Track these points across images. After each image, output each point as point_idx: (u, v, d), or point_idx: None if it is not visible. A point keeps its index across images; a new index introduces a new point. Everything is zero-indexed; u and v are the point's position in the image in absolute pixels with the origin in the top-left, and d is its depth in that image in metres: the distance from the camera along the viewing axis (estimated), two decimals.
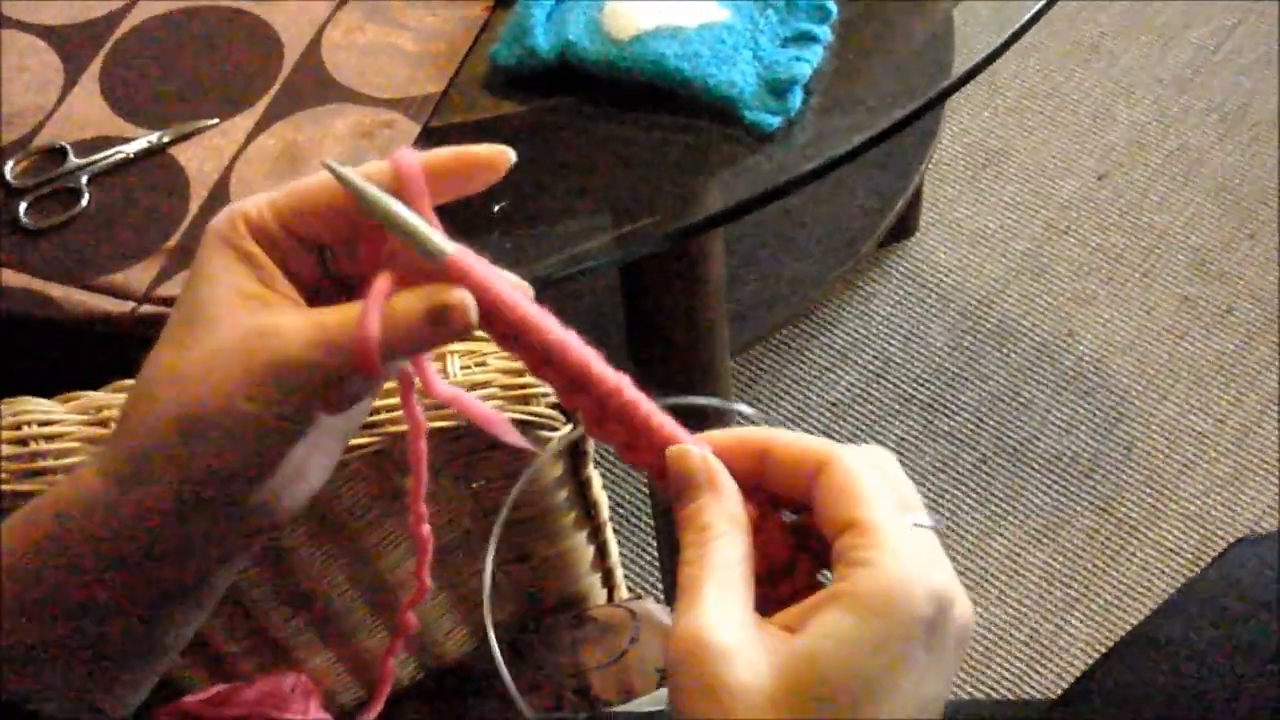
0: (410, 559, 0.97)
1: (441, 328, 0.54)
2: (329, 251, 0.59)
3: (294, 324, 0.54)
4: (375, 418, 0.83)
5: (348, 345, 0.54)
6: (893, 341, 2.00)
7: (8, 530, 0.59)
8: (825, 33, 0.99)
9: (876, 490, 0.55)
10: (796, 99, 0.96)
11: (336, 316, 0.55)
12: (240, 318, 0.55)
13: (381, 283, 0.56)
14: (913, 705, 0.51)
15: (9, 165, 0.97)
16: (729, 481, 0.57)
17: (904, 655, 0.51)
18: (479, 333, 0.56)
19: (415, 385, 0.63)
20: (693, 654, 0.51)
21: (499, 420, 0.61)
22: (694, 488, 0.56)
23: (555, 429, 0.87)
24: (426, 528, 0.70)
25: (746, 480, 0.58)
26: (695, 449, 0.57)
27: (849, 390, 1.95)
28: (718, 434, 0.58)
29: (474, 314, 0.55)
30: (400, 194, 0.56)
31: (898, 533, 0.53)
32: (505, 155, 0.58)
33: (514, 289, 0.57)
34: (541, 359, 0.57)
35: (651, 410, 0.58)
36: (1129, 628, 1.72)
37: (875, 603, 0.51)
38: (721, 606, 0.52)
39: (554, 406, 0.86)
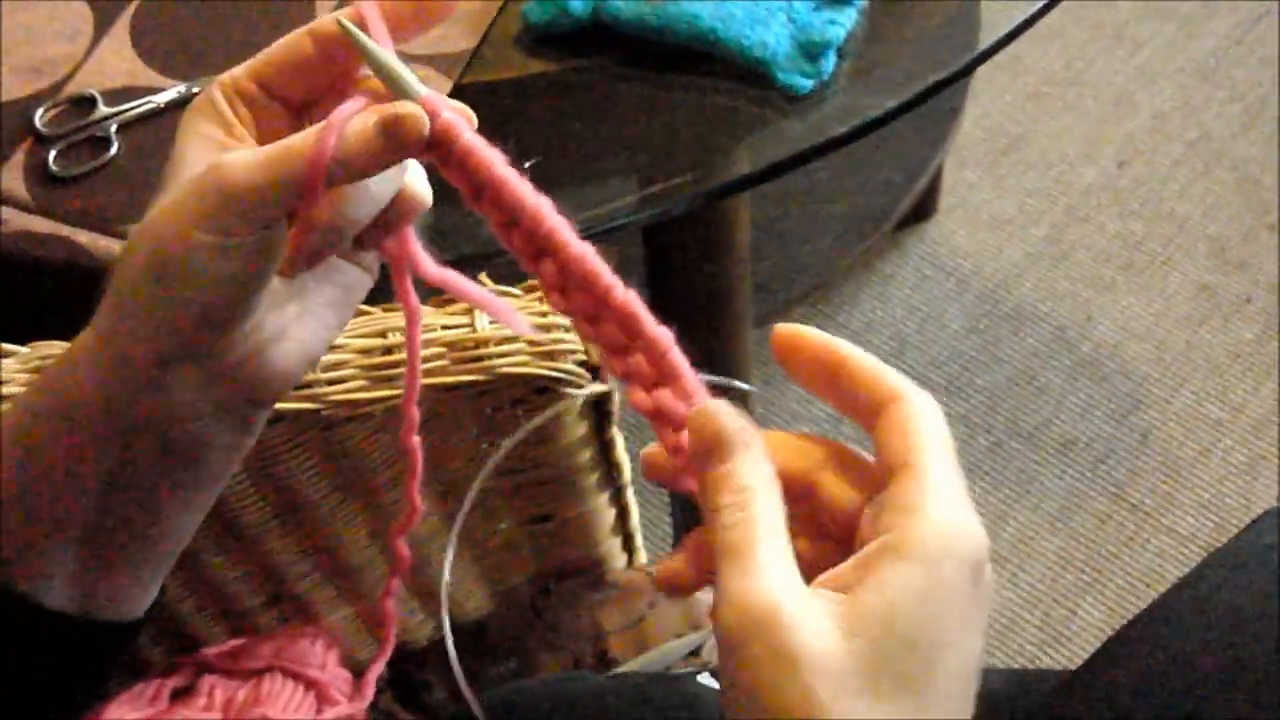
0: (433, 515, 0.96)
1: (394, 138, 0.55)
2: (306, 118, 0.61)
3: (241, 153, 0.56)
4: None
5: (290, 162, 0.55)
6: (909, 323, 2.00)
7: (12, 408, 0.61)
8: None
9: (933, 438, 0.54)
10: (830, 62, 0.96)
11: (281, 141, 0.56)
12: (201, 163, 0.57)
13: (345, 105, 0.56)
14: (972, 657, 0.51)
15: (39, 113, 0.97)
16: (758, 435, 0.55)
17: (961, 602, 0.50)
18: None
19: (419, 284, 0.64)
20: (760, 623, 0.49)
21: (500, 304, 0.62)
22: (725, 448, 0.54)
23: (580, 386, 0.87)
24: (416, 439, 0.68)
25: (815, 382, 0.57)
26: (724, 407, 0.55)
27: None
28: (805, 330, 0.57)
29: (426, 125, 0.56)
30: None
31: (945, 481, 0.52)
32: None
33: (490, 147, 0.58)
34: (507, 217, 0.58)
35: (614, 282, 0.57)
36: None
37: (931, 548, 0.50)
38: (777, 570, 0.50)
39: (580, 364, 0.86)
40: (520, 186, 0.57)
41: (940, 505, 0.51)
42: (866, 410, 0.56)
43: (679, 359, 0.58)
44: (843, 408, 0.57)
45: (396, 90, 0.57)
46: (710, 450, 0.54)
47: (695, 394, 0.57)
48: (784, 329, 0.57)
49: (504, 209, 0.57)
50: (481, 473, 0.64)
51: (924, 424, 0.54)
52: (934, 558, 0.50)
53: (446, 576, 0.65)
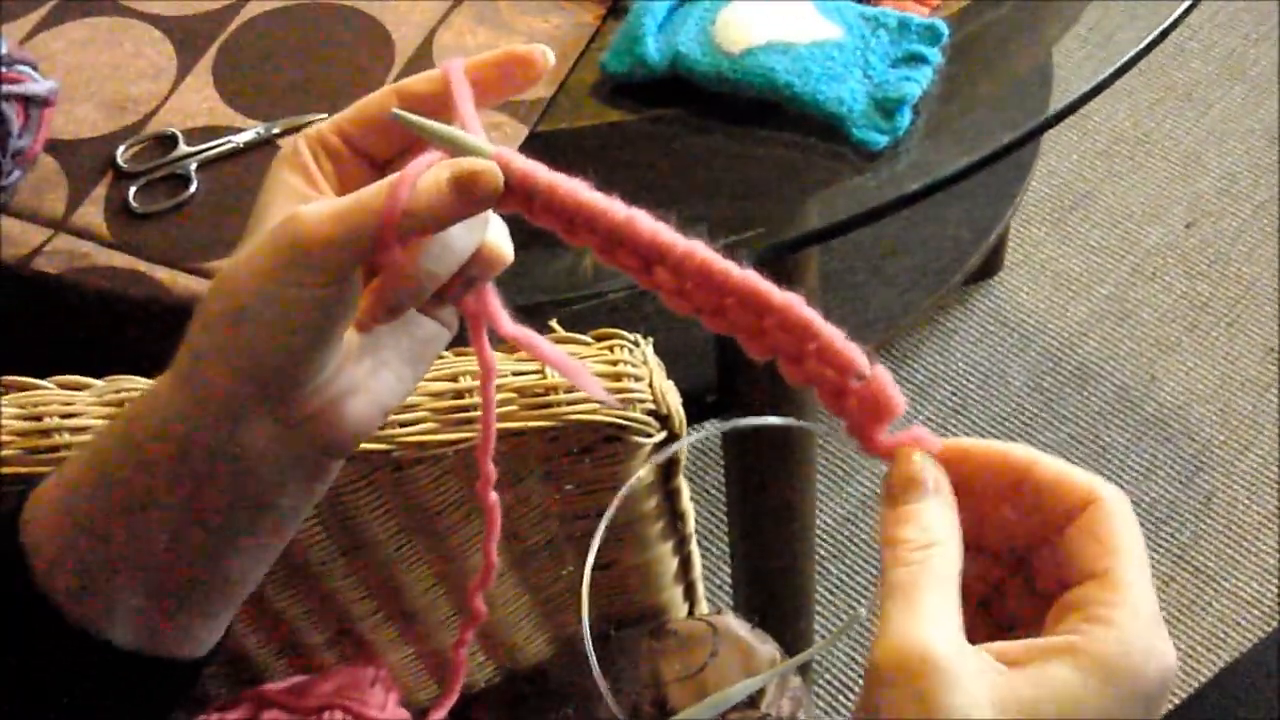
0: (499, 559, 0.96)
1: (466, 191, 0.56)
2: (388, 173, 0.61)
3: (315, 205, 0.56)
4: (470, 414, 0.83)
5: (361, 215, 0.55)
6: (972, 379, 1.99)
7: (91, 442, 0.62)
8: (935, 54, 0.99)
9: (1134, 545, 0.53)
10: (905, 119, 0.96)
11: (354, 194, 0.57)
12: (282, 214, 0.57)
13: (422, 158, 0.57)
14: None
15: (120, 150, 0.99)
16: (950, 490, 0.55)
17: None
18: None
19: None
20: (914, 667, 0.48)
21: (574, 367, 0.62)
22: (918, 489, 0.54)
23: (650, 435, 0.87)
24: (494, 495, 0.68)
25: (990, 496, 0.56)
26: (921, 452, 0.56)
27: (925, 425, 1.93)
28: (977, 443, 0.57)
29: (499, 180, 0.56)
30: (448, 97, 0.59)
31: (1143, 596, 0.51)
32: (544, 54, 0.60)
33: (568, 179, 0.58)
34: (607, 240, 0.57)
35: (729, 266, 0.57)
36: (1204, 679, 1.70)
37: (1109, 669, 0.49)
38: (944, 621, 0.50)
39: (649, 413, 0.86)
40: (611, 206, 0.57)
41: (1136, 626, 0.50)
42: (1056, 514, 0.54)
43: (813, 318, 0.57)
44: (1021, 516, 0.56)
45: (465, 155, 0.57)
46: (902, 489, 0.55)
47: (841, 349, 0.57)
48: (950, 445, 0.56)
49: (601, 233, 0.57)
50: (612, 504, 0.64)
51: (1123, 529, 0.53)
52: (1112, 677, 0.49)
53: (585, 592, 0.64)
